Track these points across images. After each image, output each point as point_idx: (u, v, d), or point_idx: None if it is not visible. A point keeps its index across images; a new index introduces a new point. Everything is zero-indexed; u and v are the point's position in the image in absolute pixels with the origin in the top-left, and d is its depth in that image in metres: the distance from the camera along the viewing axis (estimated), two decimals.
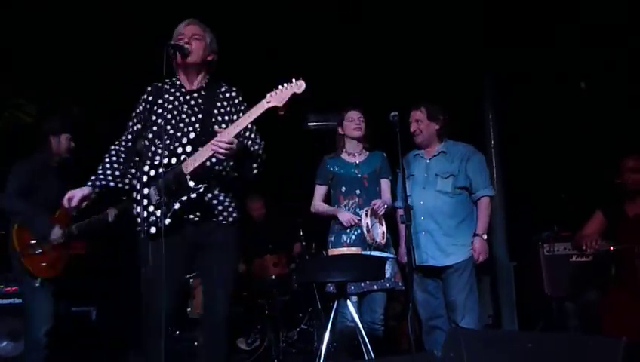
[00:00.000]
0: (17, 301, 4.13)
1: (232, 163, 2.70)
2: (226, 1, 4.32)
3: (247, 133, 2.72)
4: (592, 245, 3.51)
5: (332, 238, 3.54)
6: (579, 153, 5.50)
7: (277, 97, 2.49)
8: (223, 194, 2.67)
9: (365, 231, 3.22)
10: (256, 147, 2.72)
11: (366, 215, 3.24)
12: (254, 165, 2.71)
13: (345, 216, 3.44)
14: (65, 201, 2.64)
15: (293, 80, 2.50)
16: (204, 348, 2.66)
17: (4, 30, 4.50)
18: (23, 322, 4.01)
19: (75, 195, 2.63)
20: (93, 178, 2.70)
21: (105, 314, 4.79)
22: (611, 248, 3.48)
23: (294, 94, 2.48)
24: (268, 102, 2.50)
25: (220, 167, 2.67)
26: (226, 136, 2.49)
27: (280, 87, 2.51)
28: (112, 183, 2.71)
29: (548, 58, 5.20)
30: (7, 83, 5.35)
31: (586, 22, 4.66)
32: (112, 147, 2.78)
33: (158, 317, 2.44)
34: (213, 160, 2.61)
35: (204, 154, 2.51)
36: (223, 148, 2.46)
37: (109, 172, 2.71)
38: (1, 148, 6.11)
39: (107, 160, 2.75)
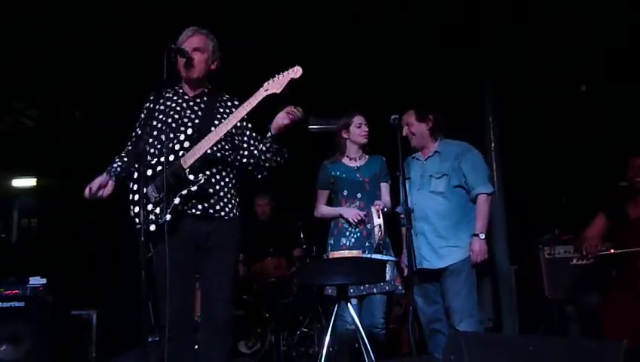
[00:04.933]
0: (17, 304, 4.13)
1: (233, 154, 2.74)
2: (227, 5, 4.33)
3: (248, 132, 2.77)
4: (592, 250, 3.47)
5: (331, 241, 3.53)
6: (579, 156, 5.50)
7: (275, 84, 2.51)
8: (224, 189, 2.68)
9: (377, 233, 3.20)
10: (278, 157, 2.75)
11: (378, 216, 3.23)
12: (267, 165, 2.75)
13: (350, 213, 3.43)
14: (86, 192, 2.66)
15: (289, 67, 2.51)
16: (203, 353, 2.65)
17: (5, 34, 4.51)
18: (23, 325, 4.03)
19: (93, 183, 2.66)
20: (107, 168, 2.75)
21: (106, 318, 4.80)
22: (612, 251, 3.46)
23: (292, 80, 2.49)
24: (266, 90, 2.52)
25: (222, 158, 2.68)
26: (225, 128, 2.51)
27: (277, 75, 2.52)
28: (123, 174, 2.75)
29: (548, 59, 5.20)
30: (9, 87, 5.36)
31: (586, 23, 4.67)
32: (121, 154, 2.85)
33: (177, 320, 2.50)
34: (217, 153, 2.63)
35: (202, 146, 2.53)
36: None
37: (120, 166, 2.77)
38: (4, 152, 6.15)
39: (118, 158, 2.81)
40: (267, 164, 2.76)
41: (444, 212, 3.40)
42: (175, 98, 2.76)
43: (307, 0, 4.39)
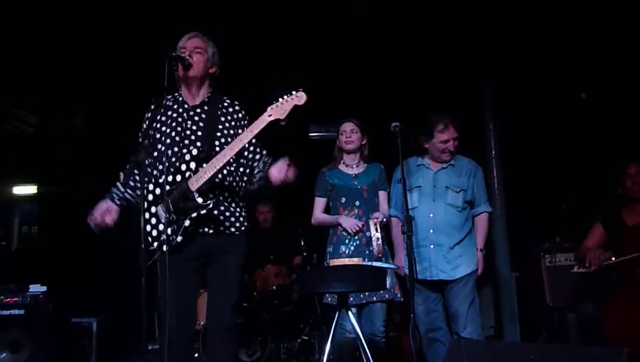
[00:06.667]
0: (17, 312, 4.13)
1: (241, 177, 2.74)
2: (228, 13, 4.34)
3: (252, 149, 2.76)
4: (596, 261, 3.42)
5: (330, 249, 3.53)
6: (580, 163, 5.50)
7: (278, 110, 2.48)
8: (233, 205, 2.68)
9: (375, 246, 3.21)
10: (264, 164, 2.78)
11: (376, 230, 3.23)
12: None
13: (348, 222, 3.44)
14: (90, 221, 2.68)
15: (294, 92, 2.49)
16: (208, 359, 2.65)
17: (4, 41, 4.52)
18: (23, 333, 4.02)
19: (96, 211, 2.68)
20: (107, 196, 2.75)
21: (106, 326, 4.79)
22: (612, 259, 3.44)
23: (295, 106, 2.48)
24: (269, 116, 2.49)
25: (230, 179, 2.68)
26: (229, 153, 2.50)
27: (280, 99, 2.49)
28: (123, 202, 2.76)
29: (548, 67, 5.21)
30: (8, 94, 5.37)
31: (585, 28, 4.68)
32: (122, 181, 2.82)
33: (179, 335, 2.51)
34: (224, 172, 2.62)
35: (208, 170, 2.52)
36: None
37: (122, 192, 2.76)
38: (5, 159, 6.15)
39: (119, 185, 2.78)
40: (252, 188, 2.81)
41: (459, 225, 3.48)
42: (176, 107, 2.74)
43: (306, 2, 4.41)
